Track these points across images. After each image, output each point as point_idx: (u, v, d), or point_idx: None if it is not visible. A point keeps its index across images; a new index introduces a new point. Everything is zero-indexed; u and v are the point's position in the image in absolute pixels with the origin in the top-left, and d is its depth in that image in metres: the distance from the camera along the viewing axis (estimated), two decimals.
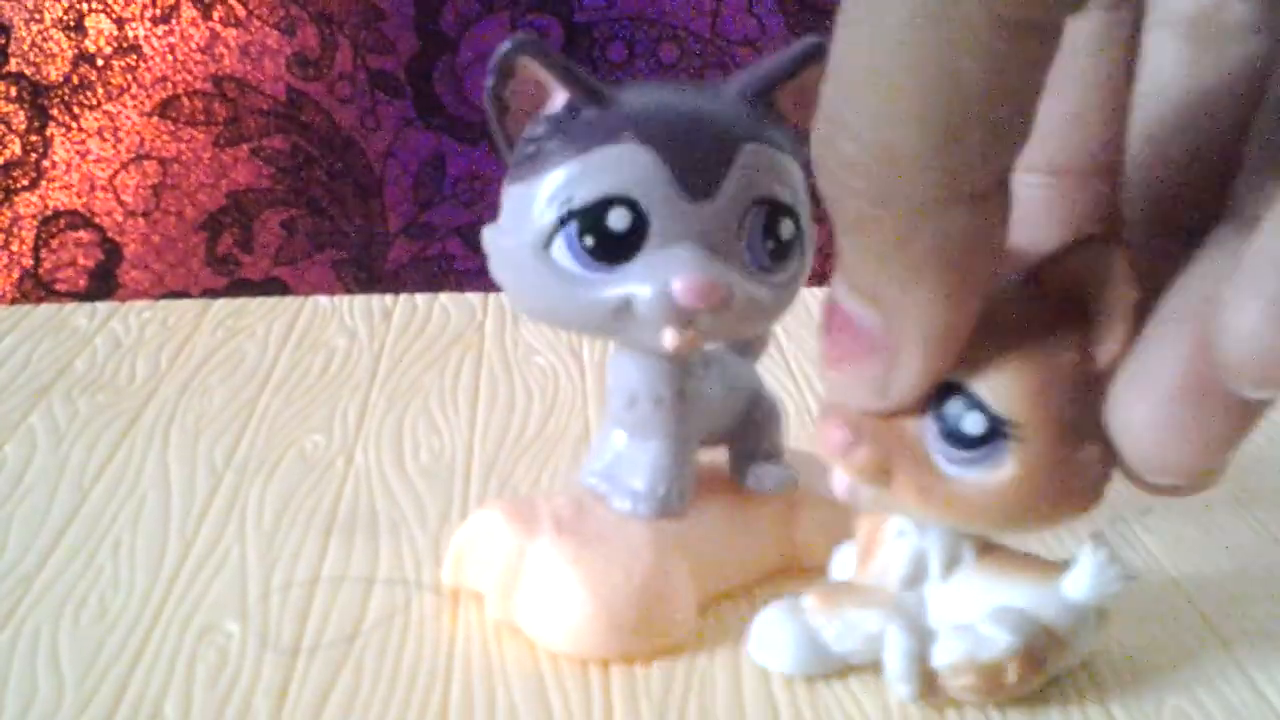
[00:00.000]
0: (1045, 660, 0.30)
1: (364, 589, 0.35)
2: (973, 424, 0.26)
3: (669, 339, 0.30)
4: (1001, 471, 0.26)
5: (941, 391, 0.26)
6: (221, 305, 0.56)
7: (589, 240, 0.30)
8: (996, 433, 0.26)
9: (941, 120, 0.21)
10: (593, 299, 0.30)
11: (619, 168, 0.30)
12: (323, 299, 0.57)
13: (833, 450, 0.27)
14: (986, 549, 0.31)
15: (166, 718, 0.30)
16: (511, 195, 0.31)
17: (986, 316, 0.25)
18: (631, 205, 0.30)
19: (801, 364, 0.50)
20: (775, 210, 0.31)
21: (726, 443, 0.35)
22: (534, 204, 0.31)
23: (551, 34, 0.64)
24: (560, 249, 0.30)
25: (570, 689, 0.31)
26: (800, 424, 0.45)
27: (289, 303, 0.57)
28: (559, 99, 0.31)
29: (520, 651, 0.32)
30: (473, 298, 0.56)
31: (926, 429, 0.27)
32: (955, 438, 0.26)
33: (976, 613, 0.30)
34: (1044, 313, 0.26)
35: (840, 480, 0.28)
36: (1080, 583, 0.30)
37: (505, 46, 0.30)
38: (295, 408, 0.47)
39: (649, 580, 0.32)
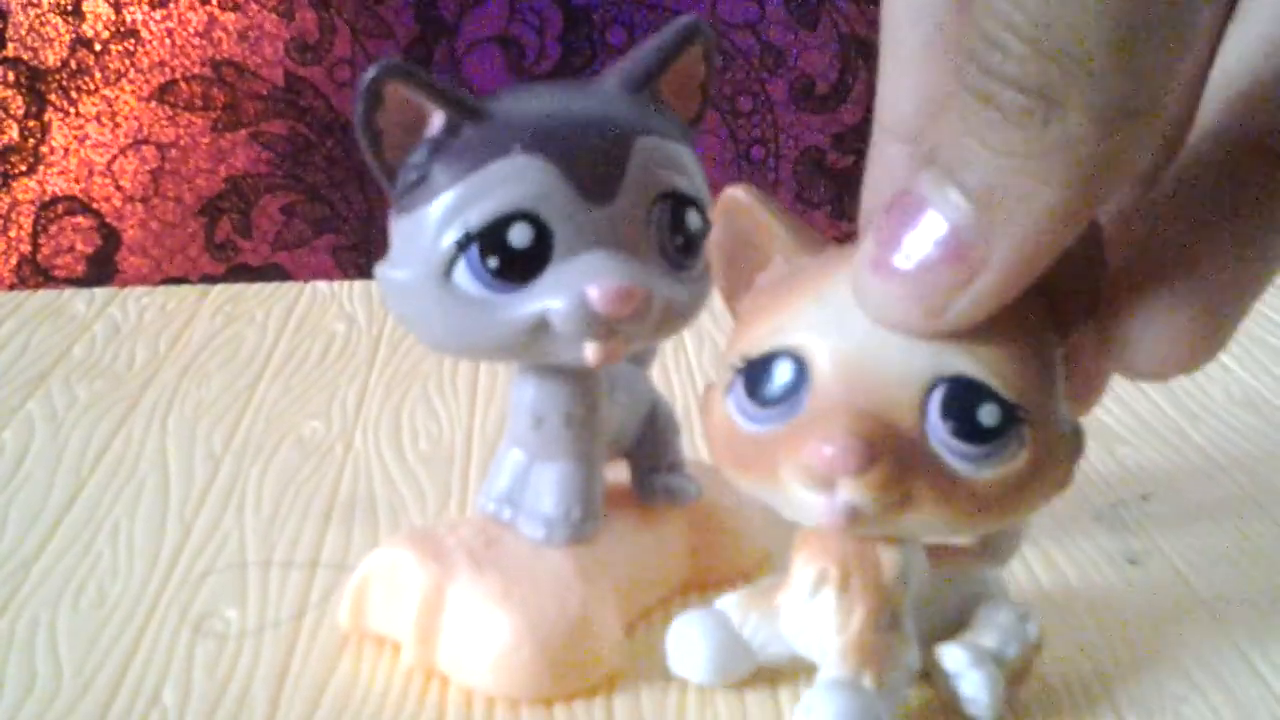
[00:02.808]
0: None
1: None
2: (989, 415, 0.25)
3: (591, 353, 0.29)
4: (1017, 461, 0.26)
5: (940, 386, 0.25)
6: (220, 291, 0.56)
7: (493, 261, 0.28)
8: (1010, 421, 0.25)
9: (1128, 22, 0.20)
10: (505, 321, 0.29)
11: (512, 182, 0.28)
12: (321, 284, 0.57)
13: (840, 467, 0.25)
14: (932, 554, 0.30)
15: (165, 704, 0.30)
16: (400, 226, 0.30)
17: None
18: (532, 219, 0.28)
19: None
20: (679, 203, 0.30)
21: (627, 457, 0.34)
22: (426, 232, 0.29)
23: (550, 18, 0.63)
24: (463, 275, 0.29)
25: None
26: None
27: (288, 288, 0.57)
28: (436, 120, 0.29)
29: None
30: None
31: (934, 432, 0.25)
32: (970, 433, 0.25)
33: (985, 611, 0.30)
34: (1024, 294, 0.25)
35: (837, 504, 0.26)
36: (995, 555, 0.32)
37: (370, 73, 0.28)
38: (294, 393, 0.47)
39: (582, 611, 0.30)
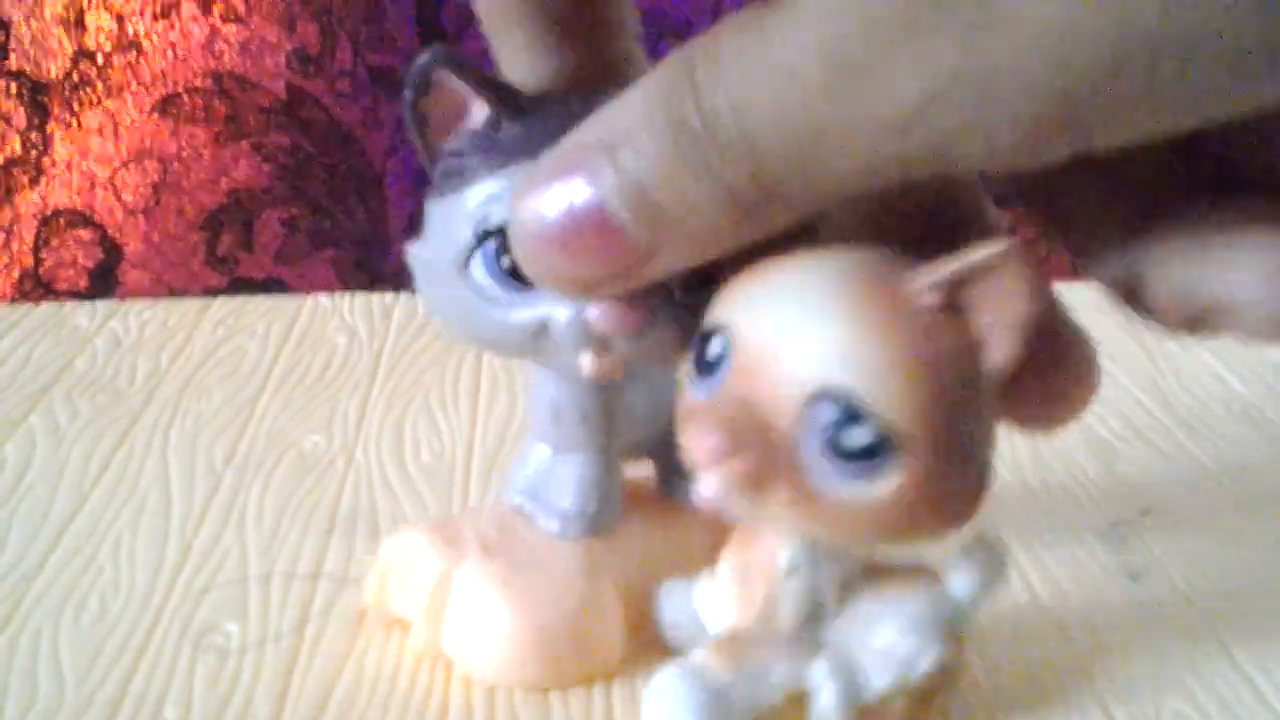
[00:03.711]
0: (956, 665, 0.29)
1: (365, 591, 0.35)
2: (858, 436, 0.24)
3: (587, 365, 0.29)
4: (883, 485, 0.25)
5: (822, 399, 0.24)
6: (221, 304, 0.56)
7: (506, 260, 0.29)
8: (882, 445, 0.24)
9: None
10: (510, 320, 0.29)
11: None
12: (323, 297, 0.57)
13: (705, 458, 0.25)
14: (871, 565, 0.29)
15: (167, 718, 0.30)
16: (434, 211, 0.30)
17: (874, 319, 0.24)
18: None
19: None
20: None
21: (651, 455, 0.34)
22: (453, 220, 0.29)
23: None
24: (478, 267, 0.29)
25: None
26: None
27: (289, 301, 0.57)
28: (479, 112, 0.30)
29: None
30: None
31: (805, 438, 0.25)
32: (837, 450, 0.25)
33: (880, 632, 0.29)
34: (935, 318, 0.25)
35: (709, 487, 0.26)
36: (967, 583, 0.29)
37: (422, 59, 0.29)
38: (295, 407, 0.47)
39: (580, 604, 0.31)
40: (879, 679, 0.28)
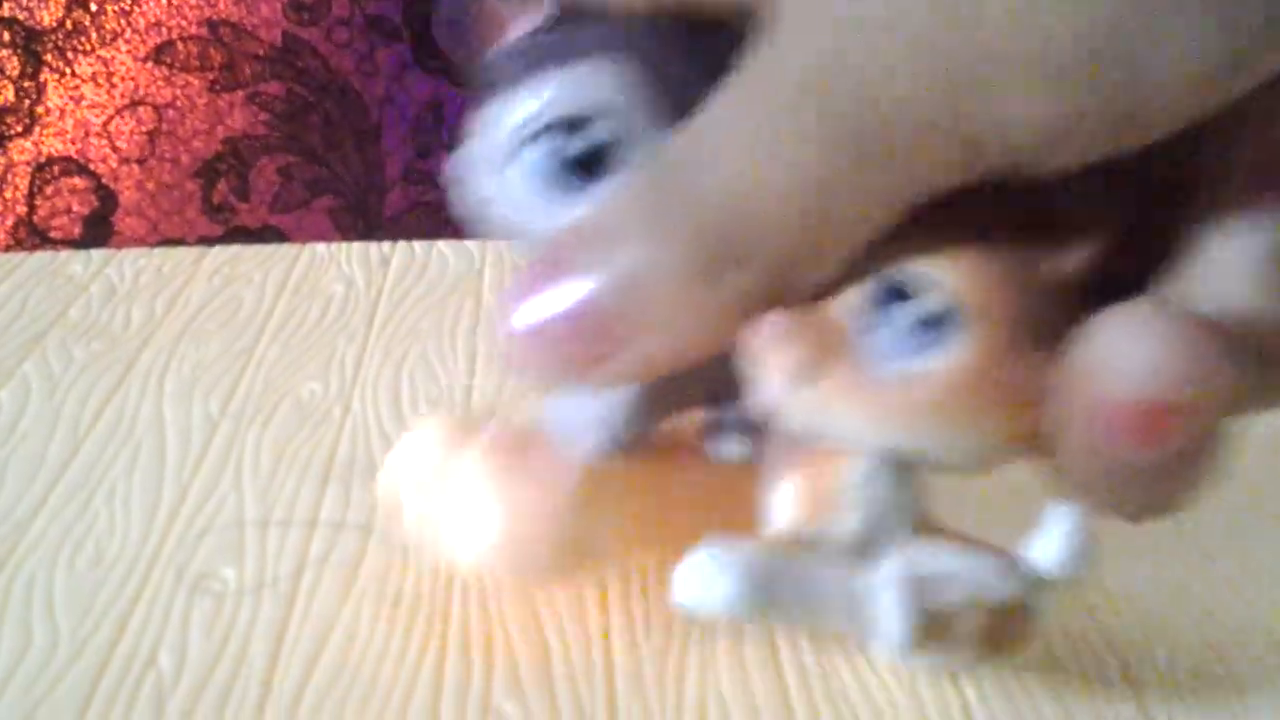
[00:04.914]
0: (1031, 628, 0.26)
1: (362, 538, 0.35)
2: (917, 307, 0.24)
3: None
4: (946, 361, 0.24)
5: (885, 272, 0.24)
6: (217, 253, 0.56)
7: (551, 164, 0.28)
8: (946, 318, 0.24)
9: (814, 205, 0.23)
10: (554, 228, 0.28)
11: (588, 86, 0.27)
12: (320, 246, 0.57)
13: (764, 343, 0.24)
14: (941, 529, 0.27)
15: (162, 665, 0.30)
16: (476, 120, 0.29)
17: (941, 207, 0.24)
18: (598, 127, 0.27)
19: None
20: None
21: (701, 406, 0.32)
22: (499, 127, 0.28)
23: None
24: (522, 173, 0.28)
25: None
26: None
27: (285, 250, 0.56)
28: (524, 18, 0.29)
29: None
30: (471, 245, 0.55)
31: (864, 318, 0.24)
32: (898, 322, 0.24)
33: (951, 563, 0.26)
34: (1013, 210, 0.24)
35: (772, 384, 0.25)
36: (1053, 552, 0.26)
37: None
38: (292, 355, 0.46)
39: (567, 505, 0.30)
40: (949, 592, 0.25)
